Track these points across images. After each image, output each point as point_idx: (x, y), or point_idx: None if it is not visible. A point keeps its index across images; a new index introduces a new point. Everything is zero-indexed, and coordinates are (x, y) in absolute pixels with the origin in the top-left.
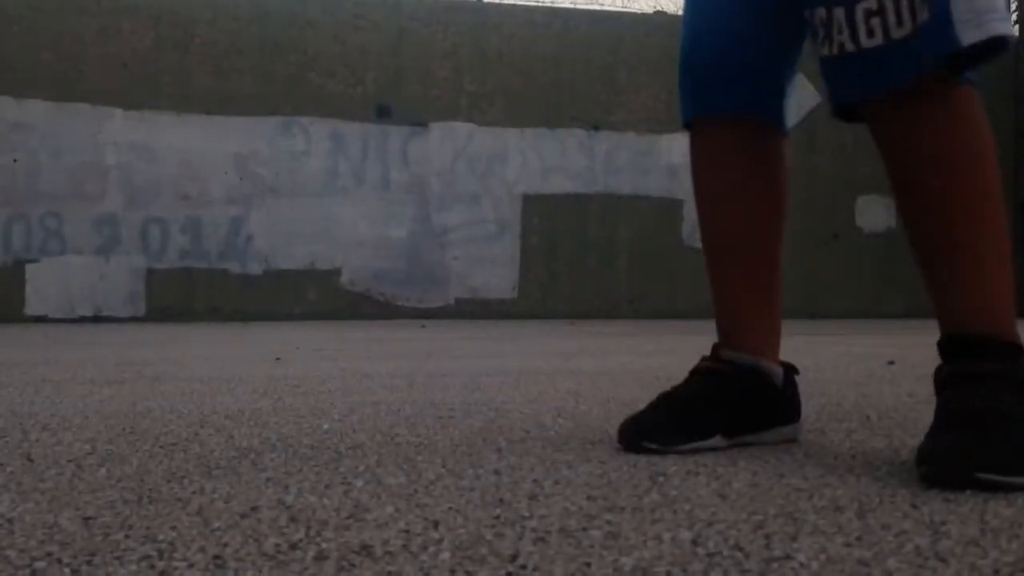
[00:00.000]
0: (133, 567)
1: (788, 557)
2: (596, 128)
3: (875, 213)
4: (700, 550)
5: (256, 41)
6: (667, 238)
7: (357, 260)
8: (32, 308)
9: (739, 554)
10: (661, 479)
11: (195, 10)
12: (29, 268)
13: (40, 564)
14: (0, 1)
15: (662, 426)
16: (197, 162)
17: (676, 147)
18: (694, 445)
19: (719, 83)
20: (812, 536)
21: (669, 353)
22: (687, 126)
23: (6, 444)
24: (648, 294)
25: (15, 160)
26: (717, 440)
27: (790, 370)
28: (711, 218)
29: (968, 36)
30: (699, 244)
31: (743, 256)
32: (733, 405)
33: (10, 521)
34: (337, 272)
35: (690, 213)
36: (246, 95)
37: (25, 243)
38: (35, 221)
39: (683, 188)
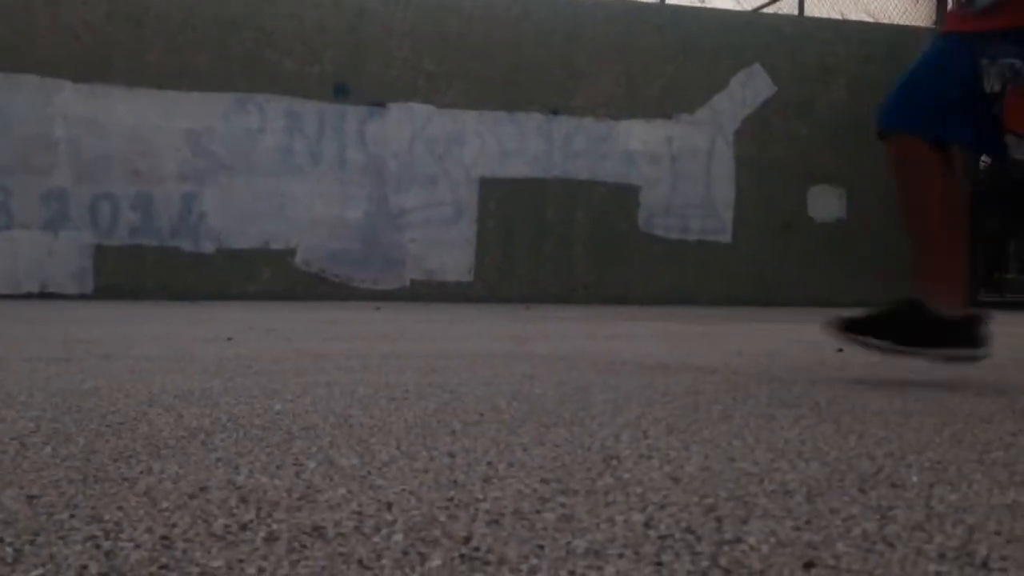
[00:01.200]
0: (78, 547)
1: (739, 540)
2: (555, 112)
3: (827, 203)
4: (652, 532)
5: (212, 16)
6: (623, 224)
7: (312, 240)
8: None
9: (691, 537)
10: (614, 462)
11: None
12: None
13: None
14: None
15: None
16: (149, 137)
17: (634, 133)
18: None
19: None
20: (762, 519)
21: (623, 338)
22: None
23: None
24: (603, 280)
25: None
26: None
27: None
28: None
29: None
30: (657, 230)
31: None
32: None
33: None
34: (292, 252)
35: (647, 200)
36: (200, 70)
37: None
38: None
39: (640, 174)
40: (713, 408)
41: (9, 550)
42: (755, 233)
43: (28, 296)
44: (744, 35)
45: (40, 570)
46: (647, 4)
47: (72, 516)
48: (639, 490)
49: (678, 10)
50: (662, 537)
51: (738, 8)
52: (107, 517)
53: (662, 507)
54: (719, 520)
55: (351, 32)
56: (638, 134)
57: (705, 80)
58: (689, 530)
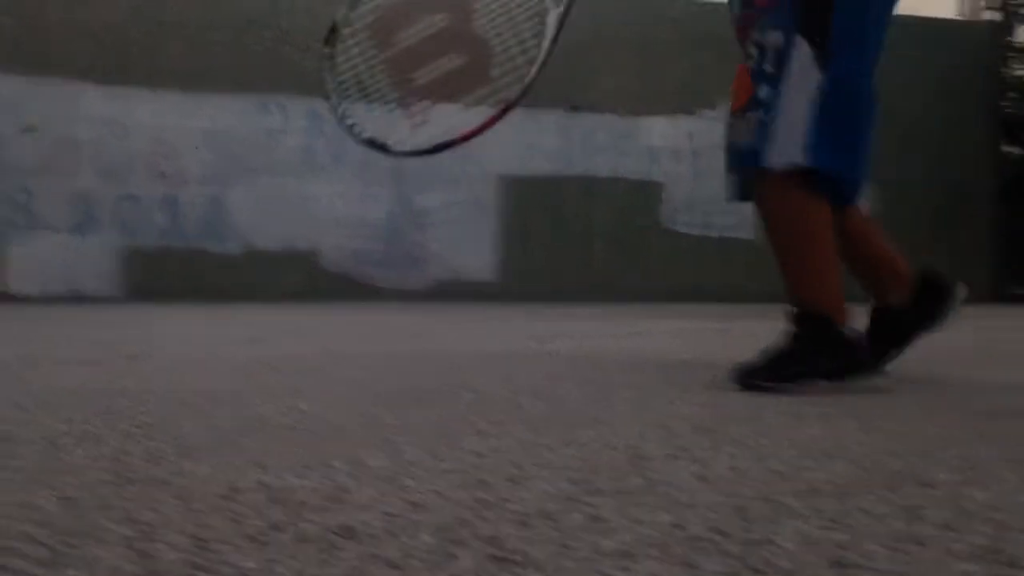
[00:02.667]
0: (113, 548)
1: (768, 540)
2: (575, 109)
3: None
4: (680, 533)
5: (230, 16)
6: (645, 220)
7: (336, 240)
8: (3, 285)
9: (719, 537)
10: (642, 463)
11: None
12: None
13: (17, 544)
14: None
15: None
16: (172, 139)
17: (656, 129)
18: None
19: None
20: (791, 519)
21: (646, 336)
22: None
23: None
24: (625, 276)
25: None
26: None
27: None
28: None
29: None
30: (679, 227)
31: None
32: None
33: None
34: (316, 253)
35: (670, 195)
36: (221, 71)
37: None
38: (3, 197)
39: (663, 170)
40: (739, 406)
41: (45, 551)
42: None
43: (57, 299)
44: None
45: (76, 571)
46: None
47: (106, 517)
48: (667, 490)
49: (696, 3)
50: (691, 538)
51: None
52: (141, 518)
53: (690, 507)
54: (748, 520)
55: None
56: (660, 130)
57: (726, 74)
58: (718, 530)
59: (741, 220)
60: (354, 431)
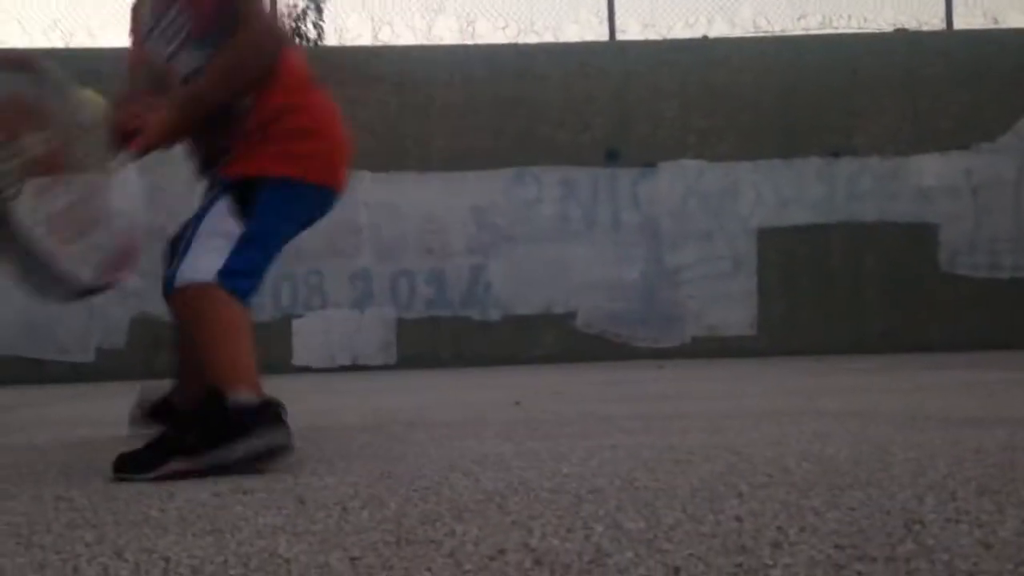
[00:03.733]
0: None
1: None
2: (835, 155)
3: None
4: None
5: (489, 99)
6: (921, 266)
7: (591, 302)
8: (299, 359)
9: None
10: (917, 527)
11: (434, 74)
12: (295, 322)
13: None
14: None
15: None
16: (439, 216)
17: (927, 168)
18: None
19: None
20: None
21: (926, 390)
22: None
23: (281, 487)
24: (901, 327)
25: None
26: None
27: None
28: None
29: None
30: (960, 270)
31: None
32: None
33: (287, 561)
34: (572, 315)
35: (948, 238)
36: (481, 150)
37: (291, 299)
38: (300, 278)
39: (937, 211)
40: None
41: None
42: None
43: (341, 368)
44: None
45: None
46: (931, 32)
47: None
48: (945, 557)
49: (966, 34)
50: None
51: None
52: None
53: None
54: None
55: (618, 98)
56: (932, 169)
57: (1004, 105)
58: None
59: None
60: (613, 494)
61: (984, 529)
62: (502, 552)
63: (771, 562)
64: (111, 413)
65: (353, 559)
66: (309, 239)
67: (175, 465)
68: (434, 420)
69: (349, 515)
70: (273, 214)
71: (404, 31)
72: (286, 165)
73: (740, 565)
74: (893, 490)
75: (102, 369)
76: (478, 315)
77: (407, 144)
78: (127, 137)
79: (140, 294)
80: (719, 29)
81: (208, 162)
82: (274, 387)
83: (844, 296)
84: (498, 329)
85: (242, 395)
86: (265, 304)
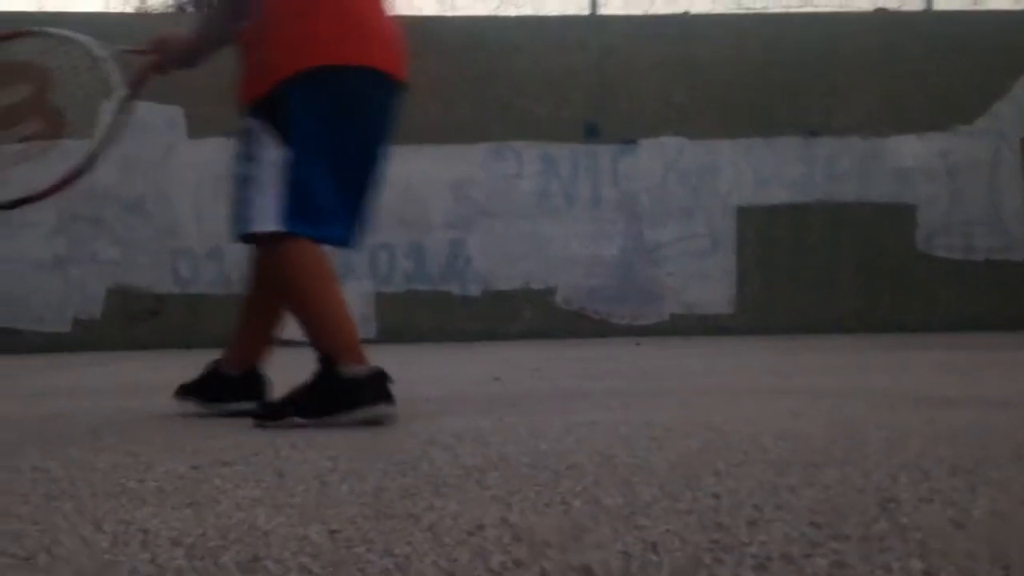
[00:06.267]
0: None
1: None
2: (814, 134)
3: None
4: None
5: (470, 72)
6: (897, 246)
7: (571, 278)
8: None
9: None
10: (891, 505)
11: (411, 45)
12: None
13: (293, 574)
14: None
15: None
16: (419, 190)
17: (906, 149)
18: None
19: None
20: None
21: (900, 370)
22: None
23: (260, 461)
24: (876, 306)
25: None
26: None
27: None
28: None
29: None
30: (936, 251)
31: None
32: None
33: (266, 534)
34: (552, 291)
35: (925, 219)
36: (460, 123)
37: None
38: None
39: (915, 192)
40: (1004, 446)
41: None
42: None
43: None
44: None
45: None
46: (911, 12)
47: (368, 550)
48: (918, 536)
49: (947, 15)
50: None
51: (1019, 7)
52: (397, 551)
53: (944, 555)
54: (1007, 569)
55: (597, 72)
56: (909, 150)
57: (982, 87)
58: None
59: (1008, 241)
60: (591, 470)
61: (957, 508)
62: (481, 527)
63: (747, 539)
64: (87, 383)
65: (332, 532)
66: None
67: (296, 420)
68: (413, 395)
69: (328, 488)
70: (310, 118)
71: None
72: (294, 59)
73: (716, 542)
74: (868, 468)
75: (78, 339)
76: (457, 290)
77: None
78: (146, 66)
79: (117, 264)
80: (701, 5)
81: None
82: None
83: (821, 275)
84: (477, 304)
85: (352, 367)
86: (242, 276)
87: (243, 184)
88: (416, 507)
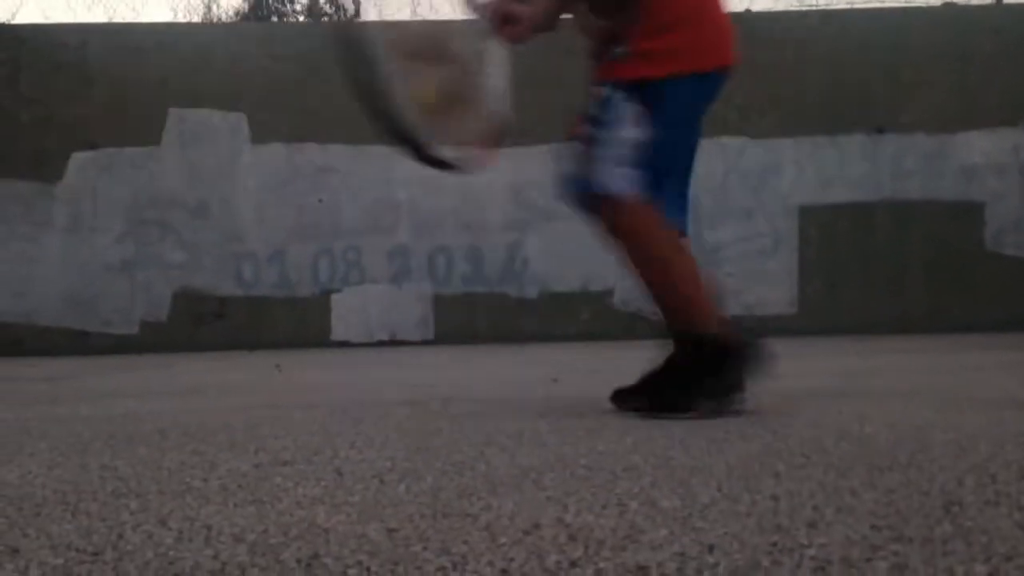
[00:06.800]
0: None
1: None
2: (880, 131)
3: None
4: None
5: (529, 74)
6: (966, 245)
7: (628, 280)
8: (337, 334)
9: None
10: (955, 508)
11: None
12: (334, 297)
13: (352, 571)
14: (306, 54)
15: None
16: (477, 193)
17: (974, 145)
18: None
19: None
20: None
21: (970, 371)
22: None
23: (320, 460)
24: (944, 306)
25: (320, 200)
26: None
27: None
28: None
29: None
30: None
31: None
32: None
33: (326, 531)
34: (609, 293)
35: (994, 216)
36: (520, 126)
37: (330, 274)
38: (338, 254)
39: (984, 189)
40: None
41: None
42: None
43: (380, 344)
44: None
45: None
46: (980, 6)
47: (425, 548)
48: (983, 539)
49: (1017, 9)
50: None
51: None
52: (454, 550)
53: (1009, 559)
54: None
55: None
56: (979, 146)
57: None
58: None
59: None
60: (648, 472)
61: (1023, 512)
62: (537, 527)
63: (806, 542)
64: (154, 385)
65: (390, 530)
66: (348, 215)
67: (704, 405)
68: (470, 396)
69: (386, 488)
70: (678, 116)
71: (442, 4)
72: (680, 62)
73: (775, 544)
74: (932, 472)
75: (146, 341)
76: (515, 292)
77: None
78: (501, 25)
79: (182, 267)
80: (762, 3)
81: (600, 53)
82: (313, 361)
83: (887, 275)
84: (535, 306)
85: (713, 328)
86: (304, 279)
87: (593, 145)
88: (473, 507)
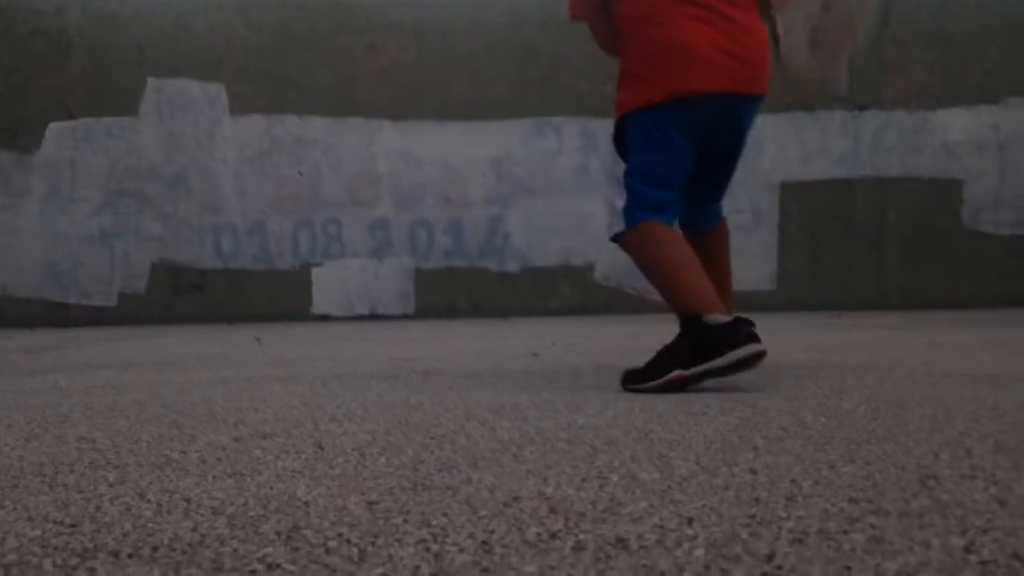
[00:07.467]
0: (411, 549)
1: None
2: (860, 108)
3: None
4: (973, 558)
5: (511, 47)
6: (944, 222)
7: (609, 255)
8: (317, 307)
9: (1017, 563)
10: (932, 482)
11: (453, 21)
12: (314, 271)
13: (332, 543)
14: (286, 23)
15: None
16: (458, 166)
17: (954, 123)
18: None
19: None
20: None
21: (945, 347)
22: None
23: (301, 433)
24: (922, 283)
25: (300, 172)
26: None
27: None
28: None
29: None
30: (983, 227)
31: None
32: None
33: (306, 504)
34: (590, 267)
35: (972, 194)
36: (501, 99)
37: (310, 247)
38: (318, 227)
39: (962, 166)
40: None
41: (355, 550)
42: None
43: (360, 317)
44: None
45: (381, 569)
46: None
47: (405, 521)
48: (959, 512)
49: None
50: (984, 563)
51: None
52: (434, 522)
53: (985, 531)
54: None
55: None
56: (958, 124)
57: None
58: (1015, 556)
59: None
60: (628, 445)
61: (999, 486)
62: (517, 499)
63: (784, 514)
64: (132, 356)
65: (370, 503)
66: (328, 187)
67: (675, 374)
68: (451, 370)
69: (367, 461)
70: (641, 145)
71: None
72: (635, 97)
73: (753, 516)
74: (909, 445)
75: (124, 314)
76: (496, 266)
77: (426, 93)
78: None
79: (161, 239)
80: None
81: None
82: (293, 334)
83: (866, 251)
84: (516, 280)
85: (715, 316)
86: (284, 252)
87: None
88: (453, 480)
